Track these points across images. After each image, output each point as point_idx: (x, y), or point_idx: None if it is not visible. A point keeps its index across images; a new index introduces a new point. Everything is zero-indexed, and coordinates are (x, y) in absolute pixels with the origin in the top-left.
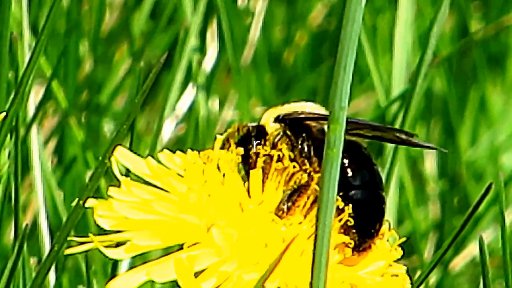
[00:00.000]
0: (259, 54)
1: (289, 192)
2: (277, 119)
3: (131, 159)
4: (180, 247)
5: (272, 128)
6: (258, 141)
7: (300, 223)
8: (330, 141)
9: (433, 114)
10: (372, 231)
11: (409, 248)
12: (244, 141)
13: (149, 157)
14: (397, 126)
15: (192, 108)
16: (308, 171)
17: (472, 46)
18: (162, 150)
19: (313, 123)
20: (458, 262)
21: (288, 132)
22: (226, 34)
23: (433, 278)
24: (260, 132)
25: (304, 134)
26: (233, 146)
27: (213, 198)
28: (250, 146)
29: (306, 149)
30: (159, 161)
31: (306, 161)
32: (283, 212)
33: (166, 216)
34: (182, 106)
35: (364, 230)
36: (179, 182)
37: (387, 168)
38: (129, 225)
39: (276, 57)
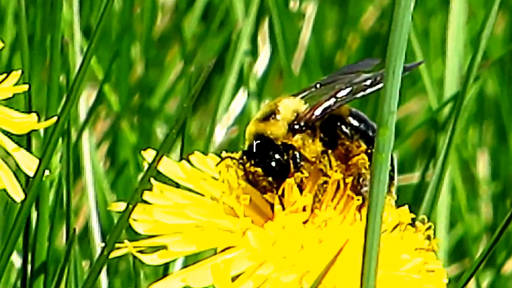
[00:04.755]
0: (311, 57)
1: (319, 190)
2: (296, 130)
3: (165, 163)
4: (215, 251)
5: (298, 140)
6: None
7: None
8: (379, 146)
9: (486, 117)
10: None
11: (461, 251)
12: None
13: (183, 161)
14: (449, 128)
15: (244, 111)
16: (334, 169)
17: None
18: (217, 153)
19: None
20: (511, 265)
21: (318, 134)
22: (278, 37)
23: (485, 281)
24: (290, 149)
25: (321, 133)
26: None
27: (247, 201)
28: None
29: (326, 150)
30: (192, 165)
31: (327, 159)
32: (315, 210)
33: (200, 221)
34: (234, 109)
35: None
36: (213, 186)
37: (438, 170)
38: (164, 229)
39: (328, 60)
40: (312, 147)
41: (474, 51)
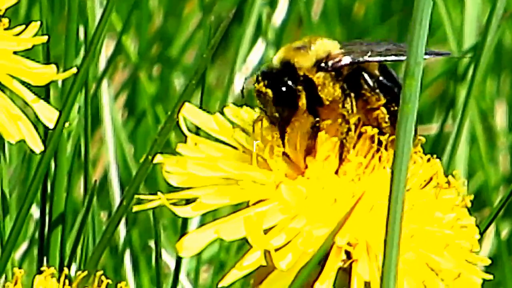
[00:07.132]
0: (329, 7)
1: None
2: (322, 68)
3: (198, 115)
4: (248, 204)
5: (320, 78)
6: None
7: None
8: (406, 96)
9: (503, 68)
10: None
11: (480, 201)
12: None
13: (217, 113)
14: (468, 78)
15: (262, 61)
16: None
17: None
18: (232, 103)
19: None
20: None
21: (341, 82)
22: None
23: (505, 230)
24: (309, 84)
25: (354, 79)
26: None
27: (280, 154)
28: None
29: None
30: (226, 117)
31: (349, 106)
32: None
33: (234, 174)
34: (253, 59)
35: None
36: (246, 139)
37: (458, 121)
38: (197, 181)
39: (347, 9)
40: (330, 90)
41: (493, 2)
